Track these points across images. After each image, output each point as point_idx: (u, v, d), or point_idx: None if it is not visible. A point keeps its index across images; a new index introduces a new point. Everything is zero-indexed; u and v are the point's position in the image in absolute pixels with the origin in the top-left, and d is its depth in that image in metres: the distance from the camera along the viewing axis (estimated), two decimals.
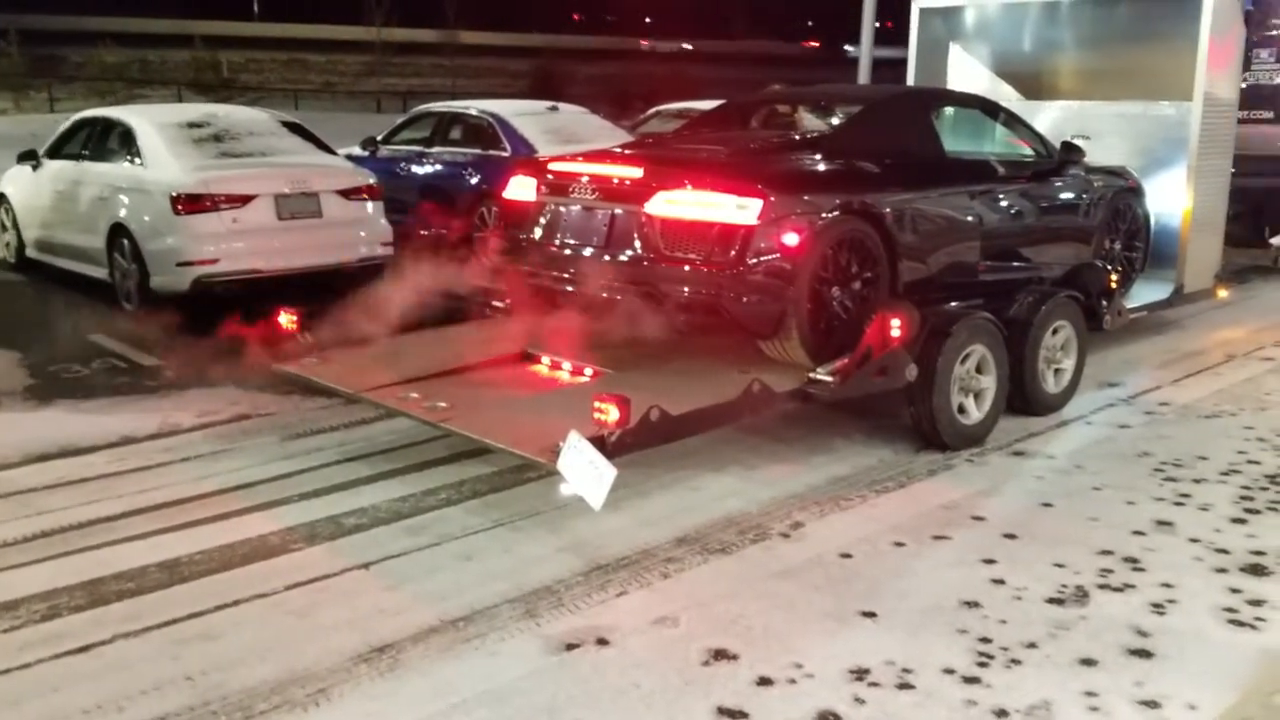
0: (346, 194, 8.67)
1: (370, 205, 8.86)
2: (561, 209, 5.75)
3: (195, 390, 6.69)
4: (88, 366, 7.23)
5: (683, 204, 5.23)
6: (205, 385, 6.75)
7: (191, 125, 8.76)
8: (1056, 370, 6.42)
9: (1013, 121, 7.19)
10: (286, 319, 5.73)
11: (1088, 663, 3.64)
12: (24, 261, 10.15)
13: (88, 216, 8.84)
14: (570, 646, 3.73)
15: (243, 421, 6.16)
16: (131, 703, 3.40)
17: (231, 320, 5.78)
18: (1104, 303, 6.81)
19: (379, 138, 12.02)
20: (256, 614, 3.97)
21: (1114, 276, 6.93)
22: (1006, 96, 8.93)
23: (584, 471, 4.08)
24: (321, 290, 5.88)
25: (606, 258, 5.46)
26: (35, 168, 9.80)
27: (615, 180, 5.54)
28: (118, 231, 8.42)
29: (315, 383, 5.58)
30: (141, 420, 6.12)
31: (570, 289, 5.67)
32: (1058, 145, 7.20)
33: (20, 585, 4.14)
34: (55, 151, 9.71)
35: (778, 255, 5.11)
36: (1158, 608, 4.03)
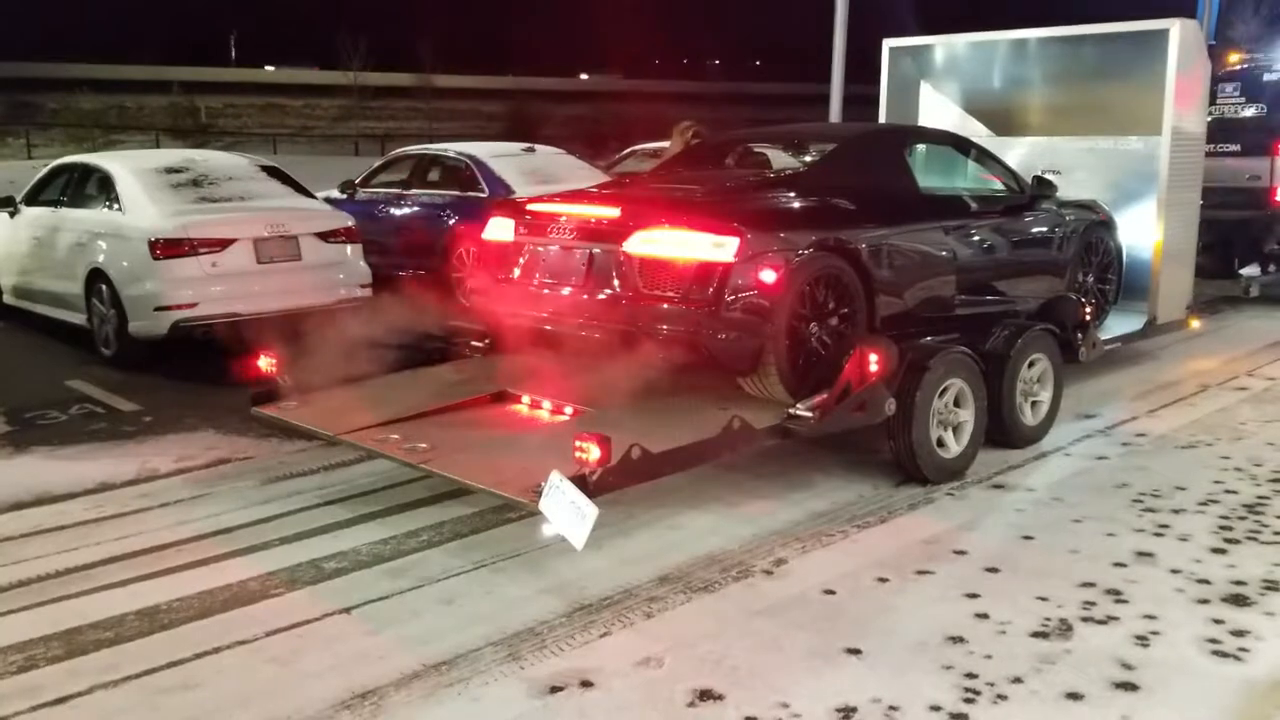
0: (325, 237, 8.68)
1: (349, 248, 8.88)
2: (540, 249, 5.78)
3: (173, 435, 6.66)
4: (65, 412, 7.18)
5: (660, 243, 5.26)
6: (183, 430, 6.73)
7: (169, 170, 8.77)
8: (1034, 403, 6.46)
9: (984, 157, 7.29)
10: (265, 362, 5.72)
11: (1074, 696, 3.63)
12: (2, 308, 10.10)
13: (66, 262, 8.81)
14: (554, 689, 3.71)
15: (221, 466, 6.12)
16: None
17: (210, 364, 5.76)
18: (1079, 335, 6.87)
19: (357, 181, 12.04)
20: (237, 661, 3.93)
21: (1088, 309, 6.98)
22: (977, 133, 9.04)
23: (566, 511, 4.08)
24: (300, 333, 5.86)
25: (585, 297, 5.48)
26: (13, 214, 9.76)
27: (593, 220, 5.57)
28: (96, 277, 8.40)
29: (294, 426, 5.56)
30: (119, 466, 6.08)
31: (549, 328, 5.69)
32: (1029, 180, 7.29)
33: None
34: (33, 198, 9.68)
35: (755, 292, 5.14)
36: (1141, 640, 4.04)
